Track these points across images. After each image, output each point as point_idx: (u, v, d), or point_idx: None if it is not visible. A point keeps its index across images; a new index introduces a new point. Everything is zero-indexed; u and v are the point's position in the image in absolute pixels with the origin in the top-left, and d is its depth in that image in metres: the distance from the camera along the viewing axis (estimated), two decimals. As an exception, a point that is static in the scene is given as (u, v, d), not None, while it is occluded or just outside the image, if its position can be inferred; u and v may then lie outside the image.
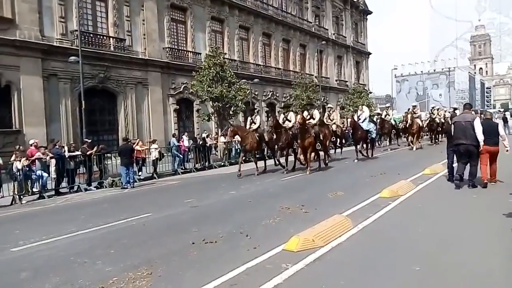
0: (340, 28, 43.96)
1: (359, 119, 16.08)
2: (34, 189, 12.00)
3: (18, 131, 16.74)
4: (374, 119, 21.34)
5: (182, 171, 16.68)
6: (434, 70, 74.56)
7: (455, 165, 9.14)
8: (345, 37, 44.30)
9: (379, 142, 23.10)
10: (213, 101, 21.71)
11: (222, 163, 18.77)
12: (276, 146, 14.06)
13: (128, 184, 12.81)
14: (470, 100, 63.48)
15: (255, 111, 16.28)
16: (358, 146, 15.92)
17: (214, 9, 27.68)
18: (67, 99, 18.73)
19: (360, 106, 17.99)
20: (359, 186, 9.77)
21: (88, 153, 13.43)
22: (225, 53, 25.98)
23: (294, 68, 35.72)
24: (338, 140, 18.01)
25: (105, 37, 20.76)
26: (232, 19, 29.24)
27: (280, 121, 14.25)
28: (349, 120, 15.84)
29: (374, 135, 16.70)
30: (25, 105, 17.02)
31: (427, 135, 24.52)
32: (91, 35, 20.12)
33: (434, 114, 22.69)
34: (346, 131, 17.31)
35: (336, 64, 43.23)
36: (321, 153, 14.21)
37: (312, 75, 37.19)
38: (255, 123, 14.24)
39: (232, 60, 27.93)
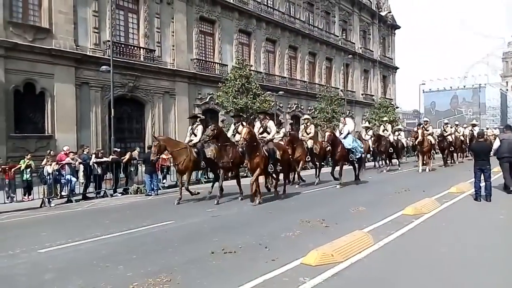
0: (368, 42, 43.71)
1: (341, 133, 13.52)
2: (63, 193, 12.38)
3: (50, 136, 17.38)
4: (388, 136, 19.84)
5: (206, 180, 16.82)
6: (464, 86, 72.84)
7: (482, 184, 8.89)
8: (372, 51, 43.99)
9: (378, 162, 20.42)
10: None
11: (245, 174, 18.78)
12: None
13: (152, 192, 13.07)
14: (502, 117, 61.52)
15: (198, 119, 12.39)
16: (340, 166, 13.04)
17: (242, 22, 28.12)
18: (97, 107, 19.35)
19: (342, 118, 14.81)
20: (382, 202, 9.61)
21: (124, 160, 13.78)
22: (251, 65, 26.32)
23: (319, 81, 35.67)
24: (316, 159, 14.99)
25: (135, 48, 21.41)
26: (259, 31, 29.60)
27: (229, 134, 11.57)
28: (327, 134, 13.03)
29: (359, 155, 13.49)
30: (57, 111, 17.69)
31: (437, 153, 20.76)
32: (123, 45, 20.79)
33: (446, 132, 20.04)
34: (327, 148, 13.45)
35: (363, 78, 42.90)
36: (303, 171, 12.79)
37: (338, 88, 37.02)
38: (195, 135, 11.37)
39: (258, 72, 28.18)
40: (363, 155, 14.64)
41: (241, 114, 13.16)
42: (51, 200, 11.64)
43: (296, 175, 13.72)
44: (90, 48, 19.28)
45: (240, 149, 10.37)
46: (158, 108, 22.20)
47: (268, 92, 25.03)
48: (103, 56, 19.13)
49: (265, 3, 30.29)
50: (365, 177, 14.71)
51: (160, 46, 22.48)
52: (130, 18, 21.58)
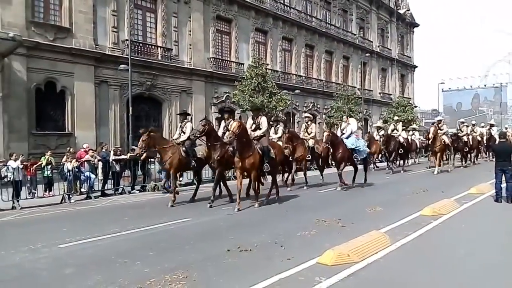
0: (385, 40, 43.14)
1: (343, 133, 12.70)
2: (82, 190, 12.62)
3: (70, 133, 17.72)
4: (402, 135, 19.35)
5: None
6: (485, 85, 71.16)
7: (503, 185, 8.70)
8: (390, 49, 43.40)
9: (388, 163, 18.80)
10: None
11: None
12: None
13: (170, 189, 13.18)
14: (524, 117, 59.99)
15: (188, 117, 11.85)
16: (342, 167, 12.14)
17: (259, 20, 28.10)
18: (116, 105, 19.64)
19: (344, 117, 14.00)
20: (400, 202, 9.51)
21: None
22: (268, 64, 26.30)
23: (336, 80, 35.40)
24: (321, 160, 14.23)
25: (153, 47, 21.63)
26: (275, 30, 29.54)
27: (220, 132, 10.67)
28: (325, 134, 11.81)
29: (363, 155, 12.73)
30: (77, 109, 18.03)
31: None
32: (141, 44, 21.04)
33: (461, 131, 19.39)
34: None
35: (380, 77, 42.39)
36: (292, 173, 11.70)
37: (355, 87, 36.67)
38: (184, 133, 10.87)
39: (274, 71, 28.13)
40: (367, 155, 13.77)
41: (259, 107, 12.17)
42: (71, 196, 11.88)
43: (290, 177, 12.74)
44: (109, 47, 19.56)
45: (230, 148, 9.31)
46: (175, 107, 22.37)
47: (284, 91, 24.96)
48: (121, 55, 19.39)
49: (282, 2, 30.19)
50: (378, 178, 14.51)
51: (177, 45, 22.66)
52: (148, 17, 21.80)
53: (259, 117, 10.33)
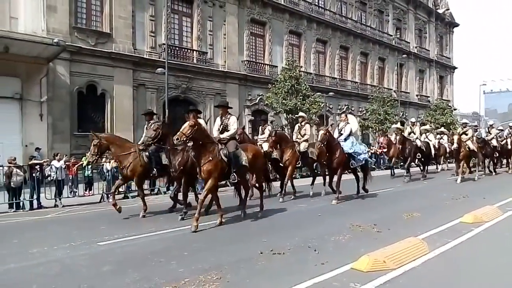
0: (423, 41, 41.90)
1: (341, 133, 10.92)
2: (120, 189, 13.01)
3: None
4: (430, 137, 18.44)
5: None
6: (532, 87, 67.59)
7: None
8: (428, 50, 42.10)
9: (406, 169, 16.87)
10: (287, 113, 21.96)
11: (294, 176, 18.71)
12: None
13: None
14: None
15: (154, 116, 10.50)
16: (338, 176, 10.47)
17: (292, 23, 28.05)
18: (153, 108, 20.05)
19: (343, 115, 11.64)
20: (438, 208, 9.18)
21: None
22: (301, 66, 26.21)
23: (371, 82, 34.74)
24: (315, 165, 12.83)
25: (189, 50, 22.07)
26: (309, 32, 29.37)
27: (215, 129, 8.80)
28: (321, 133, 10.15)
29: (361, 162, 10.96)
30: (116, 111, 18.68)
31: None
32: (177, 48, 21.52)
33: (490, 134, 17.82)
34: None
35: (418, 79, 41.19)
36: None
37: (391, 89, 35.84)
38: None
39: (307, 73, 27.99)
40: (369, 161, 12.26)
41: (224, 105, 8.91)
42: (109, 195, 12.27)
43: (285, 186, 11.23)
44: (147, 51, 20.14)
45: (192, 153, 7.89)
46: (210, 109, 22.70)
47: (318, 93, 24.78)
48: (158, 59, 19.91)
49: (316, 3, 30.01)
50: (410, 184, 13.95)
51: (212, 48, 23.01)
52: (184, 22, 22.28)
53: (228, 116, 8.55)
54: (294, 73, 22.21)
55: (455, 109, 43.68)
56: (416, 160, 16.89)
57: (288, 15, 27.64)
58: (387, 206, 9.86)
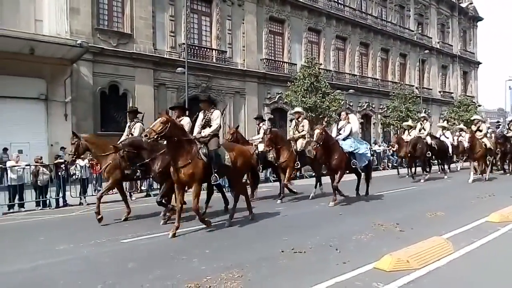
0: (446, 36, 40.95)
1: (339, 133, 10.09)
2: (142, 188, 13.23)
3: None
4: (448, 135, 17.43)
5: (274, 179, 16.93)
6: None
7: None
8: (451, 45, 41.12)
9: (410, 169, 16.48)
10: (306, 111, 21.82)
11: (313, 174, 18.61)
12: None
13: (225, 189, 13.43)
14: None
15: (139, 115, 9.63)
16: (338, 178, 9.63)
17: (312, 20, 27.87)
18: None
19: (343, 113, 10.68)
20: (463, 207, 8.98)
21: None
22: (321, 64, 26.03)
23: (392, 79, 34.19)
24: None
25: (208, 50, 22.22)
26: (329, 29, 29.12)
27: (197, 125, 7.84)
28: (316, 132, 9.27)
29: (364, 161, 10.15)
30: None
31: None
32: (196, 47, 21.70)
33: (511, 130, 16.84)
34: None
35: (440, 75, 40.30)
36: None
37: (413, 86, 35.20)
38: (132, 135, 9.05)
39: (327, 71, 27.77)
40: (371, 161, 11.37)
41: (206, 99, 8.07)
42: (132, 194, 12.49)
43: (283, 188, 10.61)
44: (167, 51, 20.38)
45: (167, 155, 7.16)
46: (229, 108, 22.82)
47: (338, 91, 24.56)
48: (178, 59, 20.12)
49: (336, 0, 29.72)
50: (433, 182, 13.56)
51: (231, 47, 23.09)
52: (203, 21, 22.43)
53: (211, 110, 7.69)
54: (314, 71, 22.09)
55: (479, 106, 42.51)
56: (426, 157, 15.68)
57: (307, 12, 27.47)
58: (410, 205, 9.70)
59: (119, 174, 8.44)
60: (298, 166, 10.83)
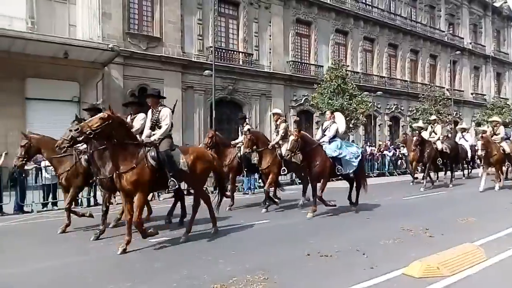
0: (478, 36, 39.65)
1: (324, 134, 9.16)
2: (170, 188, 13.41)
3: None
4: (469, 137, 16.40)
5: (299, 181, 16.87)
6: None
7: None
8: (484, 46, 39.77)
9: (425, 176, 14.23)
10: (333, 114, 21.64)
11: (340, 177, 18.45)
12: None
13: (249, 190, 13.52)
14: None
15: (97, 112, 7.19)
16: (322, 187, 8.72)
17: (339, 21, 27.62)
18: (200, 109, 20.68)
19: (328, 113, 9.81)
20: (497, 213, 8.67)
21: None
22: (348, 65, 25.72)
23: (422, 80, 33.41)
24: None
25: (235, 52, 22.40)
26: (356, 30, 28.78)
27: (146, 127, 6.93)
28: (291, 138, 8.33)
29: (352, 167, 8.94)
30: (165, 113, 19.31)
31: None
32: (223, 50, 21.91)
33: None
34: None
35: (473, 76, 39.05)
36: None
37: (443, 87, 34.25)
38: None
39: (354, 72, 27.45)
40: (363, 166, 10.19)
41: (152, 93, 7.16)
42: (160, 194, 12.72)
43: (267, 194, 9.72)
44: (195, 54, 20.67)
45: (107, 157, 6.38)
46: (255, 110, 22.91)
47: (366, 93, 24.23)
48: (206, 61, 20.37)
49: (364, 1, 29.36)
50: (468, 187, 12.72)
51: (258, 49, 23.18)
52: (230, 24, 22.62)
53: (159, 108, 6.77)
54: (341, 73, 21.88)
55: (514, 108, 40.91)
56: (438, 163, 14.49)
57: (334, 14, 27.25)
58: (440, 210, 9.45)
59: (81, 181, 7.75)
60: (285, 172, 9.87)
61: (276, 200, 10.13)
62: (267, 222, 8.14)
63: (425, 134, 14.34)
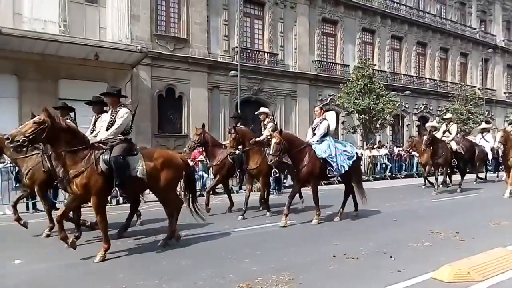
0: (513, 33, 38.21)
1: (314, 133, 8.47)
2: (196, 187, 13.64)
3: (186, 135, 19.30)
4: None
5: (325, 182, 16.73)
6: None
7: None
8: (519, 43, 38.29)
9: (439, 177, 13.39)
10: (359, 114, 21.38)
11: (366, 178, 18.24)
12: None
13: (274, 191, 13.53)
14: None
15: (71, 113, 7.72)
16: (313, 189, 8.26)
17: (366, 20, 27.21)
18: (226, 109, 20.83)
19: (317, 108, 9.21)
20: (531, 217, 8.35)
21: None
22: (375, 64, 25.30)
23: (452, 79, 32.48)
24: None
25: (260, 52, 22.44)
26: (383, 29, 28.27)
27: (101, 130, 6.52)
28: (273, 141, 7.74)
29: (344, 168, 8.19)
30: (192, 113, 19.58)
31: None
32: (249, 50, 21.99)
33: None
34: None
35: (506, 75, 37.61)
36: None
37: (474, 86, 33.19)
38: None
39: (381, 72, 26.97)
40: (359, 167, 9.60)
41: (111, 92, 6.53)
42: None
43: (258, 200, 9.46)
44: (221, 55, 20.84)
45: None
46: (280, 110, 22.86)
47: (393, 92, 23.78)
48: (231, 62, 20.50)
49: (391, -1, 28.83)
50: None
51: (283, 49, 23.14)
52: (256, 24, 22.68)
53: (118, 108, 6.27)
54: (367, 72, 21.55)
55: (551, 107, 39.18)
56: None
57: (360, 12, 26.85)
58: (471, 213, 9.19)
59: (44, 179, 7.22)
60: (276, 174, 9.33)
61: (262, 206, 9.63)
62: (291, 222, 8.10)
63: (438, 134, 13.53)
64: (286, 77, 23.11)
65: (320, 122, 8.47)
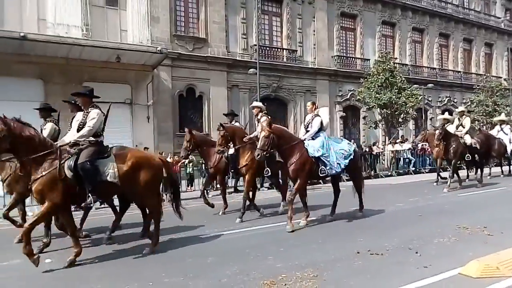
0: (541, 21, 36.83)
1: (307, 130, 7.98)
2: (218, 186, 13.75)
3: (207, 134, 19.41)
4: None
5: (347, 178, 16.62)
6: None
7: None
8: (547, 31, 36.89)
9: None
10: (380, 108, 21.09)
11: (389, 173, 17.99)
12: None
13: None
14: None
15: (53, 113, 7.68)
16: (297, 188, 7.56)
17: (386, 13, 26.78)
18: (245, 107, 20.89)
19: (309, 104, 8.51)
20: None
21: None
22: (396, 58, 24.90)
23: (477, 70, 31.64)
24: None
25: (279, 49, 22.42)
26: (404, 21, 27.75)
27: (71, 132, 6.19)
28: (262, 135, 7.30)
29: (339, 168, 7.76)
30: (212, 112, 19.78)
31: None
32: (267, 48, 21.99)
33: None
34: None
35: (534, 64, 36.39)
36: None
37: (500, 77, 32.23)
38: None
39: (403, 65, 26.51)
40: (357, 165, 9.08)
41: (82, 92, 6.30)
42: (208, 191, 13.04)
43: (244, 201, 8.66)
44: (239, 53, 20.94)
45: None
46: (300, 107, 22.79)
47: (415, 86, 23.34)
48: (250, 60, 20.58)
49: (412, -10, 28.27)
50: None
51: (302, 46, 23.05)
52: (274, 21, 22.65)
53: (90, 109, 6.00)
54: (388, 66, 21.25)
55: None
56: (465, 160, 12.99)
57: (380, 5, 26.46)
58: (499, 207, 8.93)
59: (23, 187, 6.57)
60: (268, 174, 8.75)
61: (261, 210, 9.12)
62: (313, 220, 8.09)
63: (451, 128, 12.92)
64: (305, 73, 23.01)
65: (313, 119, 8.04)
